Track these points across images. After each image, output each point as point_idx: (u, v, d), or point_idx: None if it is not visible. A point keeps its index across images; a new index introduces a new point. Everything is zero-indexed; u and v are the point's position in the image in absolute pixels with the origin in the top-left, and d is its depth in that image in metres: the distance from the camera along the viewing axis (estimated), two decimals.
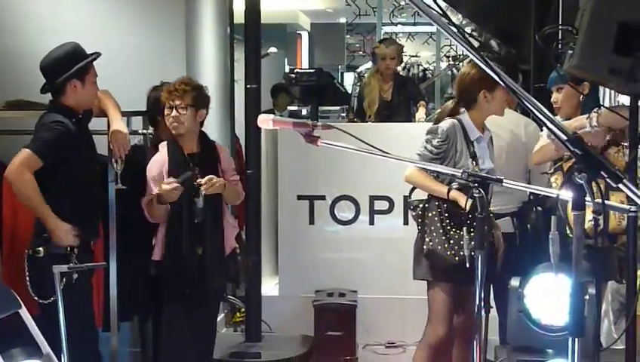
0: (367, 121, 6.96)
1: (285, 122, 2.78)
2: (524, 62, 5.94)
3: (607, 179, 2.14)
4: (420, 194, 4.21)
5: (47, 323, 3.53)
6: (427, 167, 4.00)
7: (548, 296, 3.29)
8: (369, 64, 8.57)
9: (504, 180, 2.93)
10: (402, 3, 13.61)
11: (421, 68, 14.94)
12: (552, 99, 4.36)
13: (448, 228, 4.04)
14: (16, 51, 5.47)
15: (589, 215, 2.34)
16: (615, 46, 3.06)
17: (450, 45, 15.08)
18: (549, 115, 2.22)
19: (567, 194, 2.28)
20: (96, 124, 4.29)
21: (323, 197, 6.13)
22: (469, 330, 3.78)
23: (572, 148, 2.16)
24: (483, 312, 3.14)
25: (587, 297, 3.07)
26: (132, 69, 5.43)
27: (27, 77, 4.88)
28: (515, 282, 3.39)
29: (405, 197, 5.17)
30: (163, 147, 4.28)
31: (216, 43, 5.75)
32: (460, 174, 2.92)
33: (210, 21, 5.73)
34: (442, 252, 4.03)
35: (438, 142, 4.09)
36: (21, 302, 3.33)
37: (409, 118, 6.99)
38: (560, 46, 3.33)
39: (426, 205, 4.12)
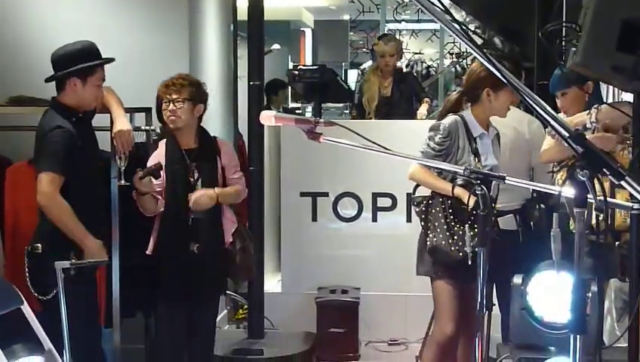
0: (367, 118, 6.95)
1: (288, 119, 2.78)
2: (528, 59, 5.93)
3: (610, 176, 2.14)
4: (423, 191, 4.21)
5: (49, 319, 3.53)
6: (430, 164, 4.00)
7: (550, 293, 3.28)
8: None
9: (507, 177, 2.93)
10: (406, 0, 13.59)
11: (425, 65, 14.95)
12: (558, 105, 4.34)
13: (452, 223, 4.03)
14: (18, 46, 5.46)
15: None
16: (618, 43, 3.05)
17: (453, 42, 15.07)
18: (552, 112, 2.22)
19: (569, 191, 2.27)
20: (99, 120, 4.29)
21: (326, 194, 6.13)
22: (472, 328, 3.78)
23: (574, 145, 2.16)
24: (485, 309, 3.12)
25: (589, 294, 3.08)
26: (135, 65, 5.41)
27: (28, 73, 4.89)
28: (517, 279, 3.38)
29: (408, 194, 5.16)
30: (162, 143, 4.31)
31: (219, 40, 5.75)
32: (462, 171, 2.92)
33: (214, 18, 5.74)
34: (446, 247, 4.02)
35: (440, 138, 4.09)
36: (23, 298, 3.33)
37: (409, 113, 6.96)
38: (563, 43, 3.32)
39: (430, 201, 4.11)
